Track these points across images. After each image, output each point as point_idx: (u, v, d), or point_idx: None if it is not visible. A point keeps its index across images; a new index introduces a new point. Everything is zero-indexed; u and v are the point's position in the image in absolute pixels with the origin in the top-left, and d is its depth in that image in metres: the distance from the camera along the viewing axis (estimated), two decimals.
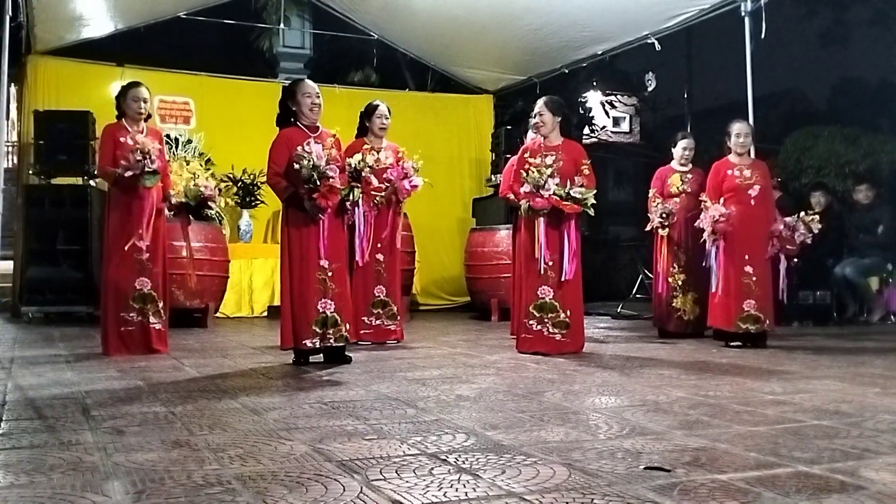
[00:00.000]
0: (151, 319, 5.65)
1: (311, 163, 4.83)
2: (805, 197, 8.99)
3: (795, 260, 6.83)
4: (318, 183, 4.82)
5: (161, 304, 5.71)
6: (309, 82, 5.28)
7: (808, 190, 9.37)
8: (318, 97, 5.18)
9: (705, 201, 6.27)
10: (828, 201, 8.88)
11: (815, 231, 6.27)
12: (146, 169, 5.37)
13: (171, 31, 10.53)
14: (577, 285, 5.79)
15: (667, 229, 6.98)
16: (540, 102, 6.00)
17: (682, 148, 7.23)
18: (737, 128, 6.42)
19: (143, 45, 10.39)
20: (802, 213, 6.35)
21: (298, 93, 5.15)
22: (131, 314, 5.60)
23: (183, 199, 5.90)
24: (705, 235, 6.22)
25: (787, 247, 6.24)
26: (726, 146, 6.48)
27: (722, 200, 6.26)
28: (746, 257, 6.17)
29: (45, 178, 8.83)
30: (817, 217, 6.36)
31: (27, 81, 9.45)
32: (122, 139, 5.56)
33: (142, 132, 5.67)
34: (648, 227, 7.14)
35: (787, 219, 6.27)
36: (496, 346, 6.15)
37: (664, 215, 6.96)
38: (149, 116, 5.84)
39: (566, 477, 2.40)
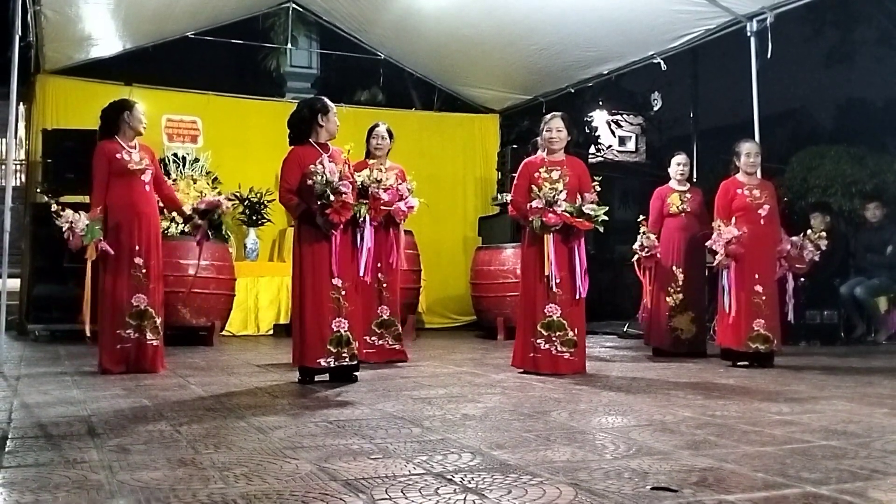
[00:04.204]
0: (149, 336, 5.63)
1: (325, 178, 4.85)
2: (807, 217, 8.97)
3: (802, 279, 6.79)
4: (331, 198, 4.83)
5: (159, 321, 5.70)
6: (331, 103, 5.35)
7: (809, 211, 9.35)
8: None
9: (719, 225, 6.24)
10: (828, 222, 8.83)
11: (823, 248, 6.27)
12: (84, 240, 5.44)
13: (179, 51, 10.58)
14: (582, 303, 5.77)
15: (645, 253, 6.97)
16: (558, 118, 5.87)
17: (675, 164, 7.20)
18: (747, 147, 6.42)
19: (151, 64, 10.46)
20: (809, 231, 6.36)
21: (330, 111, 5.22)
22: (128, 331, 5.59)
23: (188, 213, 5.92)
24: (718, 258, 6.20)
25: (797, 266, 6.24)
26: (733, 165, 6.48)
27: (733, 220, 6.25)
28: (756, 276, 6.15)
29: (53, 197, 8.85)
30: (823, 234, 6.35)
31: (36, 100, 9.48)
32: (117, 156, 5.63)
33: (134, 148, 5.73)
34: (633, 259, 7.11)
35: (794, 238, 6.26)
36: (502, 364, 6.13)
37: (643, 247, 6.96)
38: None
39: (572, 497, 2.39)
